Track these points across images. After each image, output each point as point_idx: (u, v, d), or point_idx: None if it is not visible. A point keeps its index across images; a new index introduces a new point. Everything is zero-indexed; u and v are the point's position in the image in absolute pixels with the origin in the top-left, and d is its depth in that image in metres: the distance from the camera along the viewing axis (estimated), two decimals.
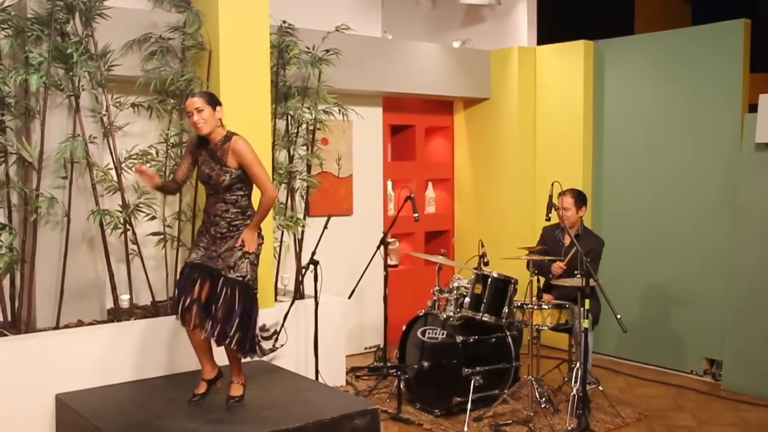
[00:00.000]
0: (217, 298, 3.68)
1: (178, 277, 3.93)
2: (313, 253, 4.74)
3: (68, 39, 4.33)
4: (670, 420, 4.74)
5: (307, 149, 5.40)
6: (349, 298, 5.24)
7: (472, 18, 6.94)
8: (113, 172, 4.58)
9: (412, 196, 5.15)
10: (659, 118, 5.96)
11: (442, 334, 4.71)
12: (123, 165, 4.59)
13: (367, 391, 5.06)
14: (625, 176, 6.17)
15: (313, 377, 4.75)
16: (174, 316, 3.86)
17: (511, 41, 6.65)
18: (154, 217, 4.74)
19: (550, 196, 4.49)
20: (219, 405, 3.88)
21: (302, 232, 5.34)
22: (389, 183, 6.59)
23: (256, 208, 3.79)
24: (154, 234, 4.84)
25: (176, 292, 3.81)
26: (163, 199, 4.87)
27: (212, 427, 3.55)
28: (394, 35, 6.51)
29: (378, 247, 5.16)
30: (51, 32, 4.28)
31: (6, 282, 4.35)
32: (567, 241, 5.02)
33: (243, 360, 3.95)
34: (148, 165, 4.57)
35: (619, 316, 4.08)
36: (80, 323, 4.48)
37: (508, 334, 4.79)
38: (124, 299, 4.62)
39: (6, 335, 4.20)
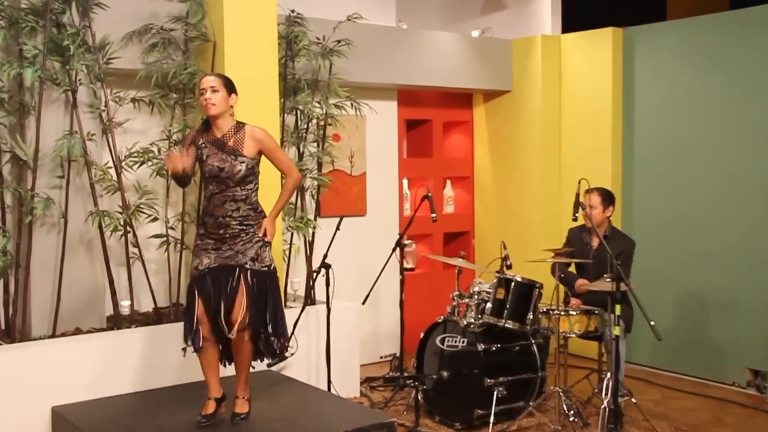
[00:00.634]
0: (242, 295, 3.66)
1: (186, 291, 3.87)
2: (325, 256, 4.74)
3: (64, 30, 4.33)
4: None
5: (318, 146, 5.41)
6: (363, 303, 5.21)
7: (492, 5, 6.94)
8: (113, 171, 4.58)
9: (429, 195, 5.17)
10: (698, 111, 5.87)
11: (463, 341, 4.72)
12: (123, 163, 4.60)
13: (383, 403, 5.07)
14: (659, 173, 6.12)
15: (325, 388, 4.75)
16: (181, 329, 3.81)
17: (534, 29, 6.64)
18: (156, 219, 4.73)
19: (577, 195, 4.46)
20: (224, 420, 3.85)
21: (313, 233, 5.34)
22: (405, 181, 6.61)
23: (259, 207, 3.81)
24: (156, 236, 4.82)
25: (185, 312, 3.77)
26: (165, 199, 4.88)
27: None
28: (409, 24, 6.51)
29: (393, 250, 5.19)
30: (46, 23, 4.28)
31: None
32: (595, 243, 4.99)
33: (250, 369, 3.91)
34: (150, 163, 4.62)
35: (653, 323, 4.05)
36: (78, 331, 4.49)
37: (533, 342, 4.78)
38: (125, 306, 4.62)
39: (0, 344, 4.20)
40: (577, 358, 6.01)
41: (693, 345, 5.85)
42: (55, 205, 4.38)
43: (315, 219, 5.37)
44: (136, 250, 4.66)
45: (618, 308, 4.20)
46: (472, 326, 4.70)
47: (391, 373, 5.63)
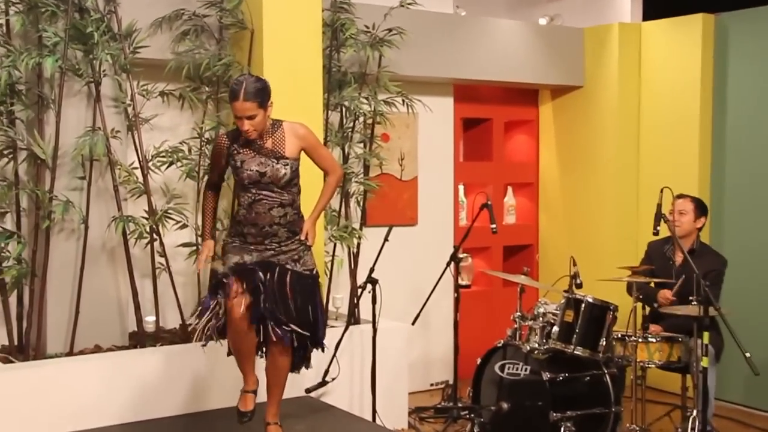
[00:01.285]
0: (286, 291, 3.71)
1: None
2: (371, 270, 4.74)
3: (88, 16, 4.37)
4: None
5: (365, 147, 5.42)
6: (413, 324, 5.20)
7: None
8: (138, 172, 4.61)
9: (488, 203, 5.14)
10: None
11: (525, 369, 4.70)
12: (150, 164, 4.63)
13: None
14: (755, 181, 5.98)
15: (369, 418, 4.73)
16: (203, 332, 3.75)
17: (611, 16, 6.59)
18: (185, 226, 4.76)
19: (659, 205, 4.42)
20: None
21: (358, 244, 5.33)
22: (461, 187, 6.62)
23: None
24: (186, 245, 4.83)
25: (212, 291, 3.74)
26: (195, 204, 4.91)
27: None
28: (469, 11, 6.48)
29: (448, 264, 5.18)
30: (68, 8, 4.31)
31: (13, 299, 4.40)
32: (679, 259, 4.97)
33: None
34: (179, 163, 4.63)
35: (748, 355, 3.94)
36: (98, 349, 4.52)
37: (606, 372, 4.71)
38: (150, 321, 4.65)
39: (12, 362, 4.24)
40: (656, 392, 5.89)
41: None
42: (75, 209, 4.40)
43: (360, 228, 5.38)
44: (162, 260, 4.67)
45: (706, 336, 4.11)
46: (536, 352, 4.68)
47: (443, 403, 5.59)
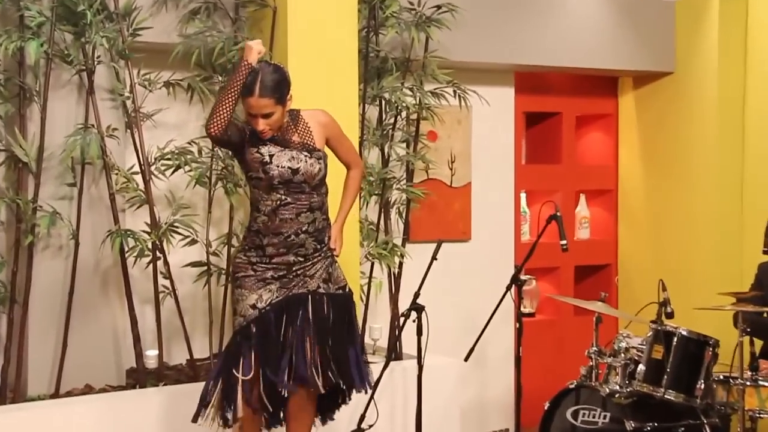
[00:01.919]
0: (327, 326, 3.80)
1: (230, 342, 3.88)
2: (416, 295, 4.62)
3: None
4: None
5: (408, 147, 5.39)
6: (466, 359, 5.00)
7: None
8: (139, 178, 4.59)
9: (557, 214, 4.95)
10: None
11: (604, 417, 4.65)
12: (153, 168, 4.59)
13: None
14: None
15: None
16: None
17: None
18: (194, 241, 4.71)
19: None
20: None
21: (400, 264, 5.31)
22: (523, 195, 6.56)
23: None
24: (195, 265, 4.81)
25: (221, 369, 3.78)
26: (207, 216, 4.84)
27: None
28: None
29: (508, 288, 4.96)
30: None
31: None
32: None
33: None
34: (187, 167, 4.62)
35: None
36: (89, 389, 4.47)
37: (706, 421, 4.60)
38: (151, 356, 4.63)
39: None
40: None
41: None
42: (63, 222, 4.36)
43: (403, 245, 5.35)
44: (167, 283, 4.65)
45: None
46: (617, 396, 4.62)
47: None
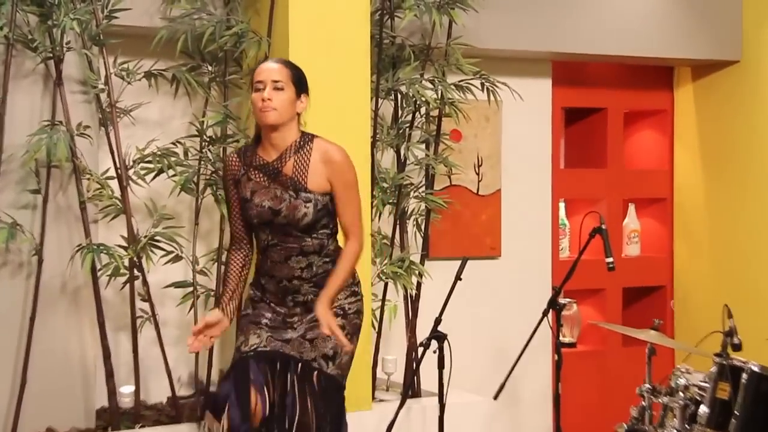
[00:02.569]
0: (295, 401, 3.72)
1: (222, 376, 3.97)
2: (437, 322, 4.55)
3: None
4: None
5: (428, 149, 5.37)
6: (496, 398, 4.96)
7: None
8: (115, 184, 4.59)
9: (602, 227, 4.91)
10: None
11: None
12: (131, 172, 4.60)
13: None
14: None
15: None
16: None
17: None
18: (179, 258, 4.72)
19: None
20: None
21: (418, 285, 5.30)
22: (562, 205, 6.56)
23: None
24: (178, 285, 4.81)
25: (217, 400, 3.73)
26: (193, 228, 4.85)
27: None
28: None
29: (544, 314, 4.93)
30: None
31: None
32: None
33: None
34: (171, 172, 4.59)
35: None
36: None
37: None
38: (126, 393, 4.61)
39: None
40: None
41: None
42: (24, 235, 4.37)
43: (422, 262, 5.35)
44: (146, 306, 4.65)
45: None
46: None
47: None
